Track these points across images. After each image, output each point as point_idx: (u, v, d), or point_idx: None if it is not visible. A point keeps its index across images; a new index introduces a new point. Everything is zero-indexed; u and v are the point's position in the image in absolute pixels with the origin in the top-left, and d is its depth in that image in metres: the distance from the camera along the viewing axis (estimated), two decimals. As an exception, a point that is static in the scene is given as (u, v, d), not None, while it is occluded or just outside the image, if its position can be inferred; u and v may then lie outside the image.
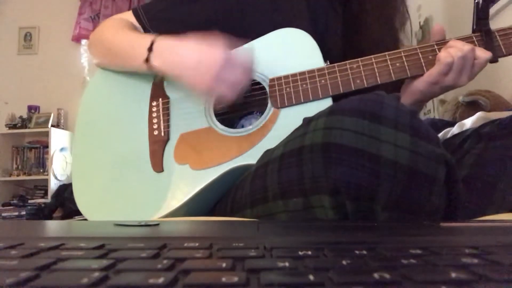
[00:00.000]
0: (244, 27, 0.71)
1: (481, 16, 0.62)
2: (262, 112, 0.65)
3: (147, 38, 0.66)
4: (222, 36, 0.61)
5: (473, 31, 0.63)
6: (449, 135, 0.70)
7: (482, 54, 0.59)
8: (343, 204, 0.38)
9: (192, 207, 0.62)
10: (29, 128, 3.36)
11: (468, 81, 0.61)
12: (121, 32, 0.72)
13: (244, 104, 0.68)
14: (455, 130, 0.73)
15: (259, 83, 0.67)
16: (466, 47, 0.59)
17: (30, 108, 3.44)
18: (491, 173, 0.55)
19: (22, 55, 3.60)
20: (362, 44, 0.68)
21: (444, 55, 0.59)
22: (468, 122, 0.74)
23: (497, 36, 0.61)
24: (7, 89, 3.50)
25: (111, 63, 0.74)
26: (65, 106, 3.49)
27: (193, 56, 0.60)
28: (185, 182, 0.62)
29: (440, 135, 0.74)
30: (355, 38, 0.72)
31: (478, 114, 0.75)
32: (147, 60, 0.64)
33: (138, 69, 0.68)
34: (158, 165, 0.65)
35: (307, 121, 0.44)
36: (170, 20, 0.74)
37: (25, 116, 3.41)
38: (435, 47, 0.62)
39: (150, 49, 0.64)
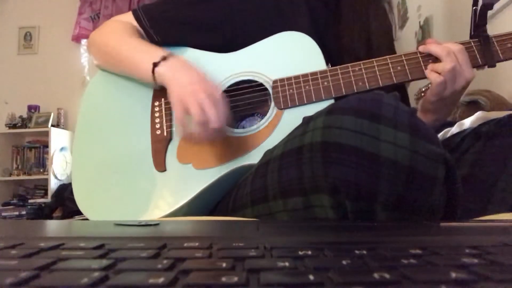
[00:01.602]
0: (246, 30, 0.72)
1: (479, 22, 0.63)
2: (263, 114, 0.65)
3: (161, 50, 0.67)
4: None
5: (471, 37, 0.64)
6: (448, 135, 0.70)
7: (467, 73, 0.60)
8: (342, 203, 0.38)
9: (194, 206, 0.62)
10: (29, 128, 3.36)
11: (473, 73, 0.61)
12: (129, 40, 0.72)
13: (246, 105, 0.68)
14: (454, 129, 0.73)
15: (261, 85, 0.67)
16: (457, 46, 0.60)
17: (30, 108, 3.44)
18: (490, 172, 0.55)
19: (22, 55, 3.60)
20: (341, 48, 0.69)
21: (434, 77, 0.60)
22: (468, 122, 0.73)
23: (495, 42, 0.62)
24: (7, 89, 3.50)
25: (114, 68, 0.75)
26: (65, 106, 3.49)
27: (191, 81, 0.62)
28: (188, 182, 0.62)
29: (439, 134, 0.74)
30: (332, 42, 0.73)
31: (478, 113, 0.75)
32: (155, 64, 0.65)
33: (139, 73, 0.69)
34: (160, 165, 0.65)
35: (306, 120, 0.44)
36: (172, 22, 0.74)
37: (25, 116, 3.41)
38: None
39: (164, 58, 0.65)
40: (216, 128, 0.58)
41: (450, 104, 0.66)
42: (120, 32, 0.73)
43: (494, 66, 0.62)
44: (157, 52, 0.66)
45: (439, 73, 0.60)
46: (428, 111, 0.65)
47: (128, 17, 0.77)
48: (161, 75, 0.65)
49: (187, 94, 0.59)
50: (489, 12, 0.64)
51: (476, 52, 0.62)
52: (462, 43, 0.63)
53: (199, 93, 0.59)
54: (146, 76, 0.67)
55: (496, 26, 0.64)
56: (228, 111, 0.61)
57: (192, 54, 0.73)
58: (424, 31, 2.16)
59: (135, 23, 0.76)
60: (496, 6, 1.41)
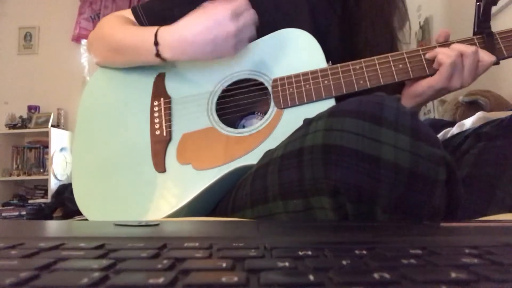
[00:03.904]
0: None
1: (482, 18, 0.62)
2: (263, 113, 0.65)
3: (149, 32, 0.66)
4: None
5: (474, 34, 0.63)
6: (449, 135, 0.70)
7: (487, 57, 0.60)
8: (343, 205, 0.38)
9: (195, 207, 0.62)
10: (29, 128, 3.36)
11: (471, 82, 0.61)
12: (121, 27, 0.71)
13: (246, 104, 0.68)
14: (455, 130, 0.73)
15: (261, 84, 0.67)
16: (470, 48, 0.59)
17: (30, 108, 3.44)
18: (491, 173, 0.55)
19: (22, 55, 3.60)
20: (358, 46, 0.69)
21: (443, 57, 0.59)
22: (468, 122, 0.73)
23: (498, 39, 0.61)
24: (7, 89, 3.50)
25: (113, 60, 0.74)
26: (65, 106, 3.49)
27: (204, 35, 0.61)
28: (188, 182, 0.62)
29: (440, 135, 0.74)
30: (351, 40, 0.72)
31: (478, 114, 0.75)
32: (157, 55, 0.64)
33: (147, 63, 0.69)
34: (160, 165, 0.65)
35: (307, 122, 0.44)
36: (171, 20, 0.74)
37: (25, 116, 3.41)
38: (438, 49, 0.62)
39: (156, 43, 0.64)
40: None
41: (431, 100, 0.65)
42: (113, 23, 0.73)
43: (498, 63, 0.61)
44: (148, 38, 0.65)
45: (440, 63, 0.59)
46: (414, 95, 0.64)
47: (127, 14, 0.77)
48: (169, 59, 0.65)
49: (216, 49, 0.62)
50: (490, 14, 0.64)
51: (480, 48, 0.61)
52: (465, 40, 0.63)
53: (233, 39, 0.61)
54: (154, 62, 0.67)
55: (497, 26, 0.63)
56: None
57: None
58: (424, 31, 2.16)
59: (134, 20, 0.76)
60: (496, 6, 1.41)
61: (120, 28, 0.71)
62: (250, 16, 0.63)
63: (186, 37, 0.63)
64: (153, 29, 0.65)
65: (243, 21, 0.62)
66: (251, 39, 0.65)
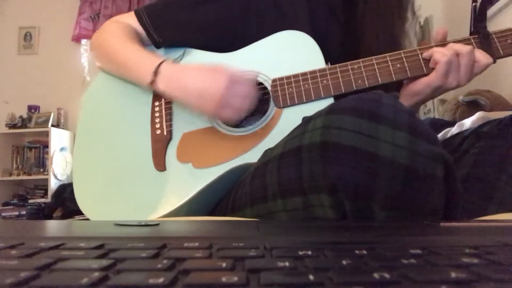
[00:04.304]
0: (247, 32, 0.72)
1: (479, 18, 0.63)
2: (262, 113, 0.66)
3: (152, 60, 0.66)
4: (227, 64, 0.63)
5: (471, 33, 0.64)
6: (449, 135, 0.70)
7: (482, 57, 0.60)
8: (342, 203, 0.38)
9: (194, 205, 0.62)
10: (29, 128, 3.35)
11: (468, 81, 0.61)
12: (125, 45, 0.71)
13: None
14: (454, 130, 0.73)
15: (260, 84, 0.67)
16: (466, 48, 0.60)
17: (30, 108, 3.44)
18: (490, 173, 0.55)
19: (22, 55, 3.60)
20: (360, 53, 0.69)
21: (439, 56, 0.60)
22: (468, 122, 0.73)
23: (495, 38, 0.62)
24: (7, 89, 3.50)
25: (113, 71, 0.75)
26: (65, 106, 3.48)
27: (197, 84, 0.62)
28: (188, 181, 0.62)
29: (440, 135, 0.74)
30: (354, 46, 0.72)
31: (478, 114, 0.75)
32: (151, 82, 0.65)
33: (140, 85, 0.69)
34: (160, 164, 0.65)
35: (306, 120, 0.44)
36: (174, 24, 0.74)
37: (25, 116, 3.41)
38: (435, 48, 0.63)
39: (155, 73, 0.64)
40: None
41: (429, 99, 0.66)
42: (119, 36, 0.73)
43: (494, 62, 0.62)
44: (149, 67, 0.65)
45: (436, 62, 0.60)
46: (412, 94, 0.65)
47: (130, 18, 0.77)
48: (160, 92, 0.65)
49: (211, 105, 0.61)
50: (489, 12, 0.64)
51: (476, 48, 0.62)
52: (462, 40, 0.63)
53: (219, 100, 0.60)
54: (147, 88, 0.68)
55: (496, 26, 0.64)
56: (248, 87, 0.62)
57: (192, 54, 0.73)
58: (424, 31, 2.16)
59: (136, 23, 0.76)
60: (495, 7, 1.41)
61: (124, 46, 0.71)
62: (245, 89, 0.62)
63: (182, 79, 0.63)
64: (158, 59, 0.66)
65: (236, 90, 0.61)
66: (243, 112, 0.62)
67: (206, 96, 0.60)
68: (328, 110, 0.40)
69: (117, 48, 0.71)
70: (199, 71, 0.63)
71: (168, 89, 0.64)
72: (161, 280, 0.15)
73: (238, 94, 0.61)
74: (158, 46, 0.75)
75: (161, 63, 0.65)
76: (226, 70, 0.61)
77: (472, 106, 1.37)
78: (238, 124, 0.70)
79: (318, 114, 0.42)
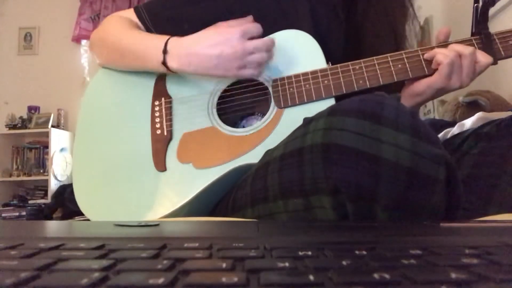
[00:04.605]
0: None
1: (480, 19, 0.63)
2: (263, 113, 0.66)
3: (159, 40, 0.66)
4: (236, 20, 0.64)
5: (472, 34, 0.64)
6: (449, 136, 0.70)
7: (483, 58, 0.60)
8: (343, 204, 0.38)
9: (195, 206, 0.62)
10: (29, 128, 3.36)
11: (470, 82, 0.61)
12: (129, 32, 0.71)
13: (246, 104, 0.68)
14: (455, 130, 0.73)
15: (261, 84, 0.67)
16: (467, 49, 0.60)
17: (30, 108, 3.44)
18: (491, 173, 0.55)
19: (22, 55, 3.60)
20: (362, 52, 0.68)
21: (441, 57, 0.60)
22: (468, 123, 0.74)
23: (496, 39, 0.62)
24: (7, 89, 3.50)
25: (117, 63, 0.74)
26: (65, 106, 3.49)
27: (211, 51, 0.61)
28: (188, 181, 0.62)
29: (440, 135, 0.74)
30: (355, 45, 0.72)
31: (478, 114, 0.75)
32: (163, 63, 0.64)
33: (151, 70, 0.69)
34: (160, 164, 0.65)
35: (307, 121, 0.44)
36: (173, 20, 0.74)
37: (25, 116, 3.41)
38: (437, 49, 0.62)
39: (164, 51, 0.64)
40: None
41: (430, 99, 0.66)
42: (120, 26, 0.73)
43: (496, 63, 0.61)
44: (157, 46, 0.65)
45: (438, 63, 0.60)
46: (414, 94, 0.65)
47: (129, 14, 0.77)
48: (175, 69, 0.65)
49: (220, 65, 0.61)
50: (489, 12, 0.64)
51: (477, 49, 0.62)
52: (464, 40, 0.63)
53: (237, 61, 0.60)
54: (158, 71, 0.68)
55: (496, 26, 0.64)
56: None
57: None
58: (424, 31, 2.16)
59: (136, 20, 0.76)
60: (496, 7, 1.41)
61: (128, 33, 0.71)
62: (259, 41, 0.62)
63: (194, 50, 0.63)
64: (164, 37, 0.66)
65: (254, 44, 0.61)
66: (263, 65, 0.63)
67: (224, 59, 0.60)
68: (330, 111, 0.40)
69: (120, 36, 0.71)
70: (208, 37, 0.63)
71: (182, 66, 0.64)
72: (161, 280, 0.15)
73: (256, 47, 0.61)
74: None
75: (167, 41, 0.65)
76: (234, 27, 0.61)
77: (472, 106, 1.37)
78: (238, 124, 0.70)
79: (320, 115, 0.42)
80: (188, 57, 0.63)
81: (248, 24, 0.63)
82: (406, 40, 0.73)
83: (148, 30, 0.75)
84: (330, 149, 0.37)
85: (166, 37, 0.66)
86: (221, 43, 0.61)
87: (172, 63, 0.64)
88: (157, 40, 0.66)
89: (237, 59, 0.60)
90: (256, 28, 0.63)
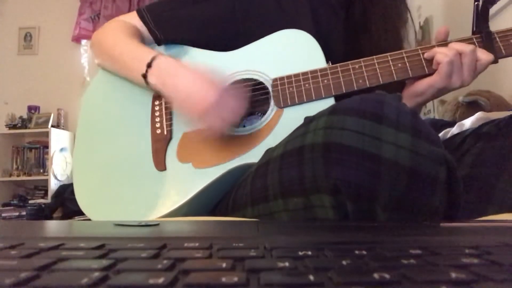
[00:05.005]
0: (248, 29, 0.72)
1: (481, 18, 0.63)
2: (263, 113, 0.66)
3: (147, 53, 0.66)
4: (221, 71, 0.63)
5: (473, 33, 0.64)
6: (448, 135, 0.70)
7: (484, 55, 0.60)
8: (343, 203, 0.38)
9: (195, 205, 0.62)
10: (29, 128, 3.36)
11: (471, 81, 0.61)
12: (124, 40, 0.71)
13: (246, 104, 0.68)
14: (454, 130, 0.73)
15: (261, 83, 0.67)
16: (468, 47, 0.60)
17: (30, 108, 3.44)
18: (490, 173, 0.55)
19: (22, 55, 3.60)
20: (363, 52, 0.68)
21: (441, 57, 0.60)
22: (468, 122, 0.74)
23: (497, 38, 0.62)
24: (7, 89, 3.50)
25: (111, 67, 0.75)
26: (65, 106, 3.49)
27: (188, 86, 0.60)
28: (188, 181, 0.62)
29: (440, 135, 0.74)
30: (357, 44, 0.72)
31: (478, 114, 0.75)
32: (144, 76, 0.65)
33: (133, 80, 0.69)
34: (160, 164, 0.65)
35: (308, 120, 0.44)
36: (176, 21, 0.74)
37: (25, 116, 3.41)
38: (436, 48, 0.62)
39: (149, 65, 0.64)
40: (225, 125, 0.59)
41: (431, 99, 0.66)
42: (118, 32, 0.73)
43: (496, 62, 0.61)
44: (144, 59, 0.65)
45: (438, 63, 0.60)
46: (415, 94, 0.64)
47: (132, 17, 0.77)
48: (152, 85, 0.65)
49: (187, 102, 0.59)
50: (490, 12, 0.64)
51: (478, 48, 0.61)
52: (464, 39, 0.63)
53: (203, 108, 0.58)
54: (141, 84, 0.67)
55: (497, 26, 0.64)
56: (237, 103, 0.59)
57: (192, 53, 0.73)
58: (424, 31, 2.16)
59: (139, 22, 0.76)
60: (496, 7, 1.41)
61: (122, 40, 0.71)
62: (237, 104, 0.59)
63: (174, 76, 0.62)
64: (153, 52, 0.66)
65: (227, 103, 0.58)
66: (226, 125, 0.59)
67: (194, 99, 0.59)
68: (331, 111, 0.40)
69: (115, 43, 0.72)
70: (193, 74, 0.62)
71: (158, 83, 0.63)
72: (161, 280, 0.15)
73: (227, 106, 0.59)
74: (159, 43, 0.75)
75: (156, 56, 0.65)
76: (219, 86, 0.59)
77: (472, 106, 1.37)
78: (238, 124, 0.70)
79: (321, 114, 0.42)
80: (166, 79, 0.63)
81: (237, 88, 0.62)
82: (406, 40, 0.73)
83: (150, 30, 0.75)
84: (330, 148, 0.37)
85: (155, 52, 0.66)
86: (199, 85, 0.59)
87: (151, 78, 0.64)
88: (145, 54, 0.66)
89: (204, 105, 0.58)
90: (239, 93, 0.61)
